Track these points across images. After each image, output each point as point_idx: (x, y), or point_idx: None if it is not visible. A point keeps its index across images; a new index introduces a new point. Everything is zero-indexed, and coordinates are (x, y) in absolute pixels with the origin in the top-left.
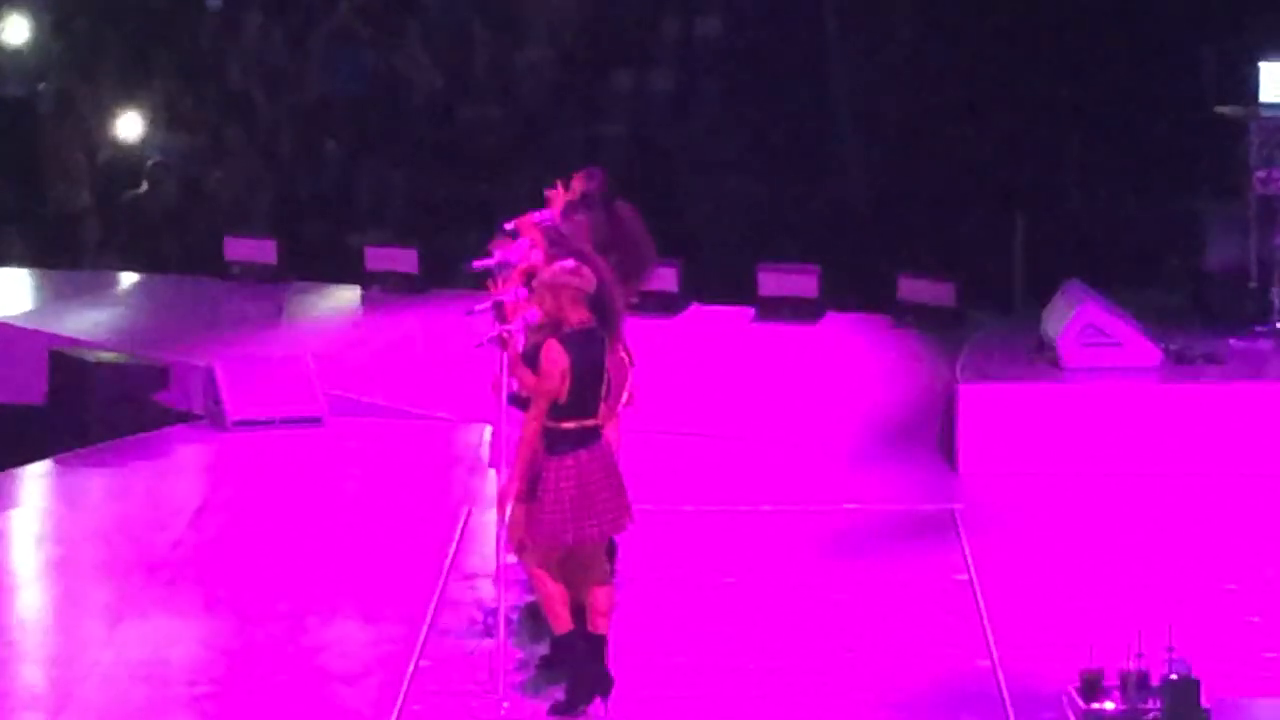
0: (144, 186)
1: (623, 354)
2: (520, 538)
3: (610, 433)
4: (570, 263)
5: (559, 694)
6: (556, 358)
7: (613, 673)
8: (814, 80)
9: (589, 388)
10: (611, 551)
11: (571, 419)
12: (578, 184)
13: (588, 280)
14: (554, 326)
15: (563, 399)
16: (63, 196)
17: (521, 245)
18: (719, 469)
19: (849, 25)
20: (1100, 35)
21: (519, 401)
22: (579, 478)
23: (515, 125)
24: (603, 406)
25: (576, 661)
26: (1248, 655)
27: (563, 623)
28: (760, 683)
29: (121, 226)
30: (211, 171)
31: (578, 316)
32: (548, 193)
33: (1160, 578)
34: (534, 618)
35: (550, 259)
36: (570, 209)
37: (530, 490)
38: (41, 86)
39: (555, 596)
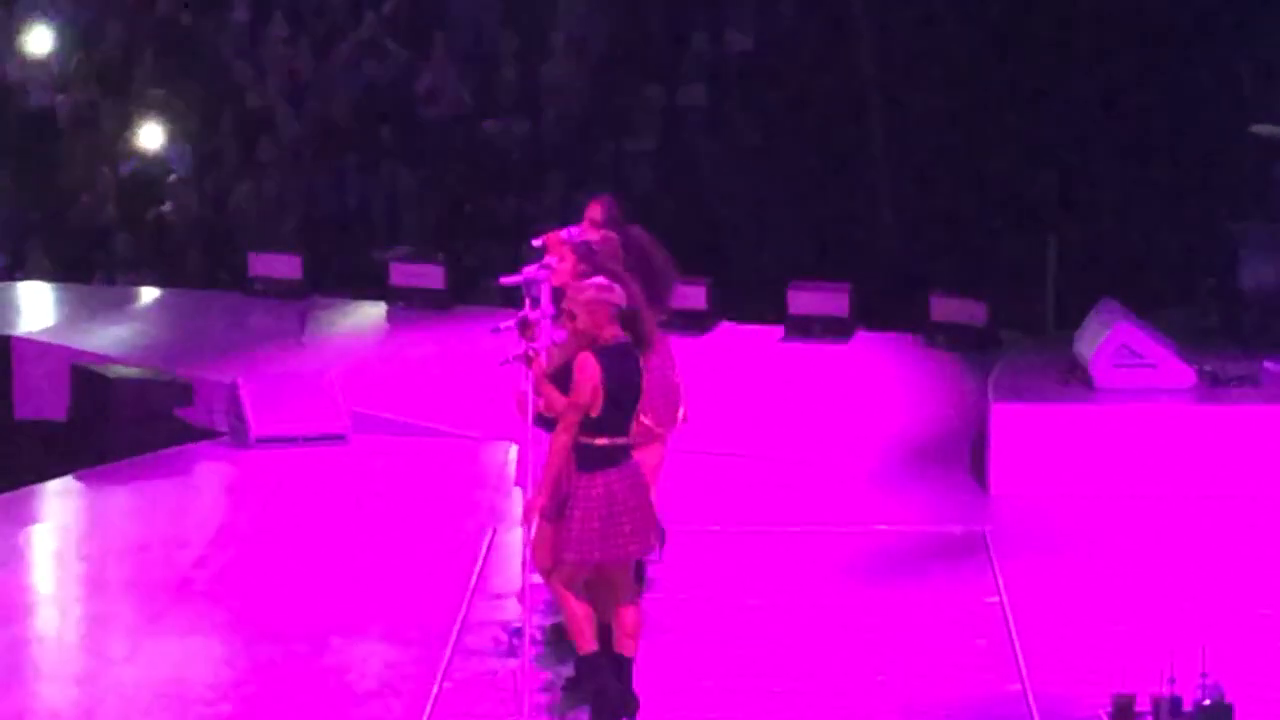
0: (167, 202)
1: (670, 373)
2: (546, 556)
3: (657, 451)
4: (603, 279)
5: (583, 716)
6: (590, 370)
7: (639, 694)
8: (847, 97)
9: (622, 404)
10: (640, 572)
11: (604, 435)
12: (592, 211)
13: (620, 296)
14: (588, 343)
15: (595, 413)
16: (86, 210)
17: (550, 262)
18: (748, 488)
19: (883, 43)
20: (1135, 54)
21: (545, 422)
22: (609, 496)
23: (543, 140)
24: (635, 425)
25: (600, 683)
26: None
27: (588, 643)
28: (788, 705)
29: (145, 241)
30: (236, 186)
31: (610, 333)
32: (537, 241)
33: (1193, 601)
34: (559, 638)
35: (579, 276)
36: (594, 229)
37: (559, 508)
38: (61, 98)
39: (581, 616)
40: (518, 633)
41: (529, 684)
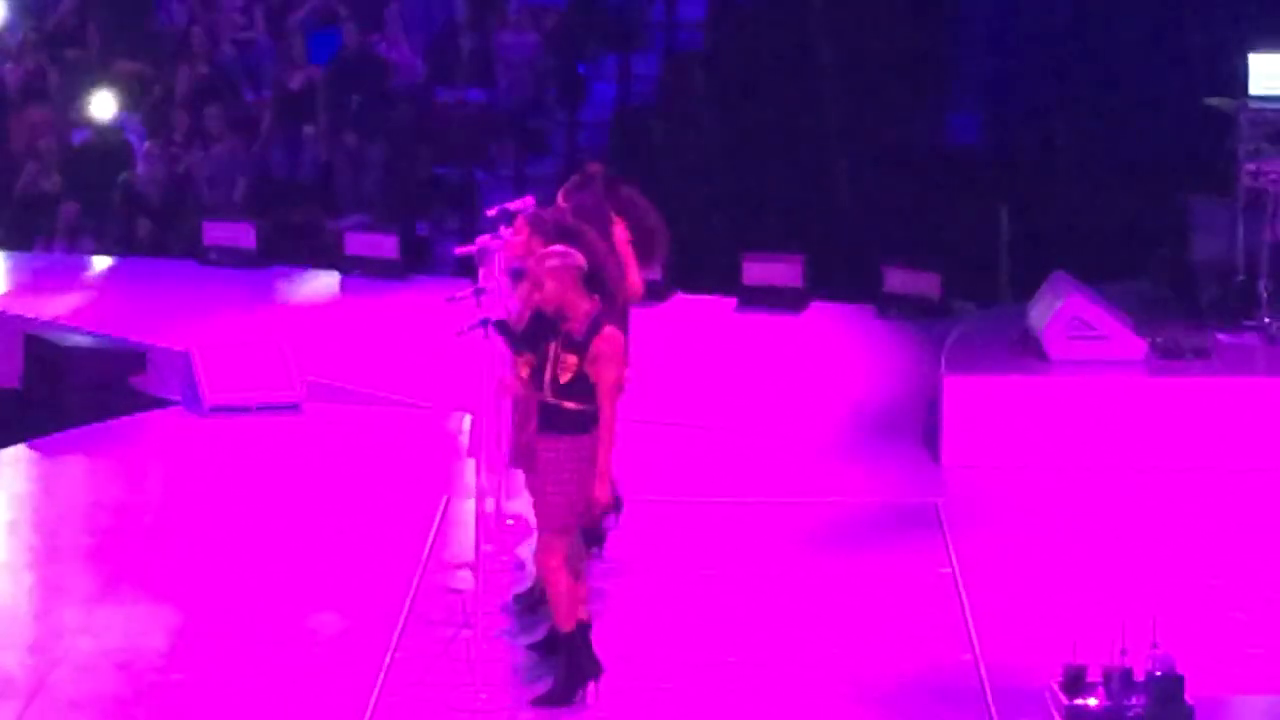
0: (121, 170)
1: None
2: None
3: None
4: (557, 246)
5: (542, 683)
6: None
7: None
8: (800, 68)
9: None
10: (600, 540)
11: (574, 400)
12: (580, 174)
13: (580, 259)
14: (560, 315)
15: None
16: (33, 178)
17: (504, 232)
18: (701, 459)
19: (835, 13)
20: (1088, 27)
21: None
22: (586, 459)
23: (497, 110)
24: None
25: (582, 657)
26: (1232, 651)
27: (573, 619)
28: (740, 675)
29: (98, 209)
30: (189, 155)
31: (584, 303)
32: (491, 211)
33: (1145, 573)
34: (532, 610)
35: (532, 247)
36: (573, 190)
37: (528, 460)
38: (10, 66)
39: (571, 593)
40: (471, 602)
41: (483, 654)
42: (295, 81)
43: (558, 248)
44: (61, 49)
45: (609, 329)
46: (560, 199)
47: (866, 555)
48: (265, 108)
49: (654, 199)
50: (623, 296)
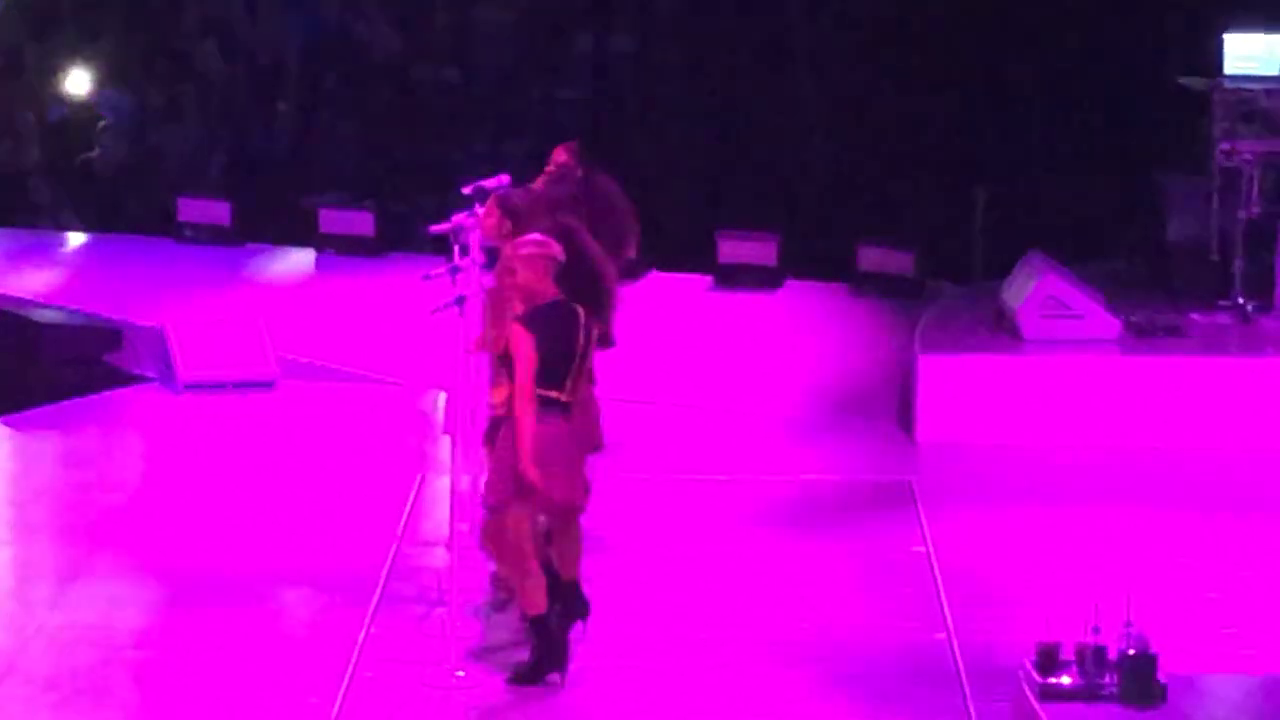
0: (96, 147)
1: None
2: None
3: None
4: (538, 235)
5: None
6: (523, 343)
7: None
8: (775, 46)
9: (556, 360)
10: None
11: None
12: (558, 156)
13: (558, 251)
14: (526, 298)
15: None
16: (9, 154)
17: (479, 210)
18: (676, 437)
19: None
20: (1063, 5)
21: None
22: (555, 441)
23: (473, 87)
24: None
25: (549, 642)
26: (1205, 631)
27: (540, 605)
28: (713, 652)
29: (73, 186)
30: (165, 131)
31: (547, 289)
32: (467, 189)
33: (1118, 552)
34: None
35: (502, 227)
36: (556, 179)
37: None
38: None
39: (537, 579)
40: (446, 579)
41: (458, 631)
42: (271, 58)
43: (535, 235)
44: (38, 25)
45: (514, 328)
46: (541, 185)
47: (840, 533)
48: (240, 84)
49: (629, 177)
50: (609, 287)
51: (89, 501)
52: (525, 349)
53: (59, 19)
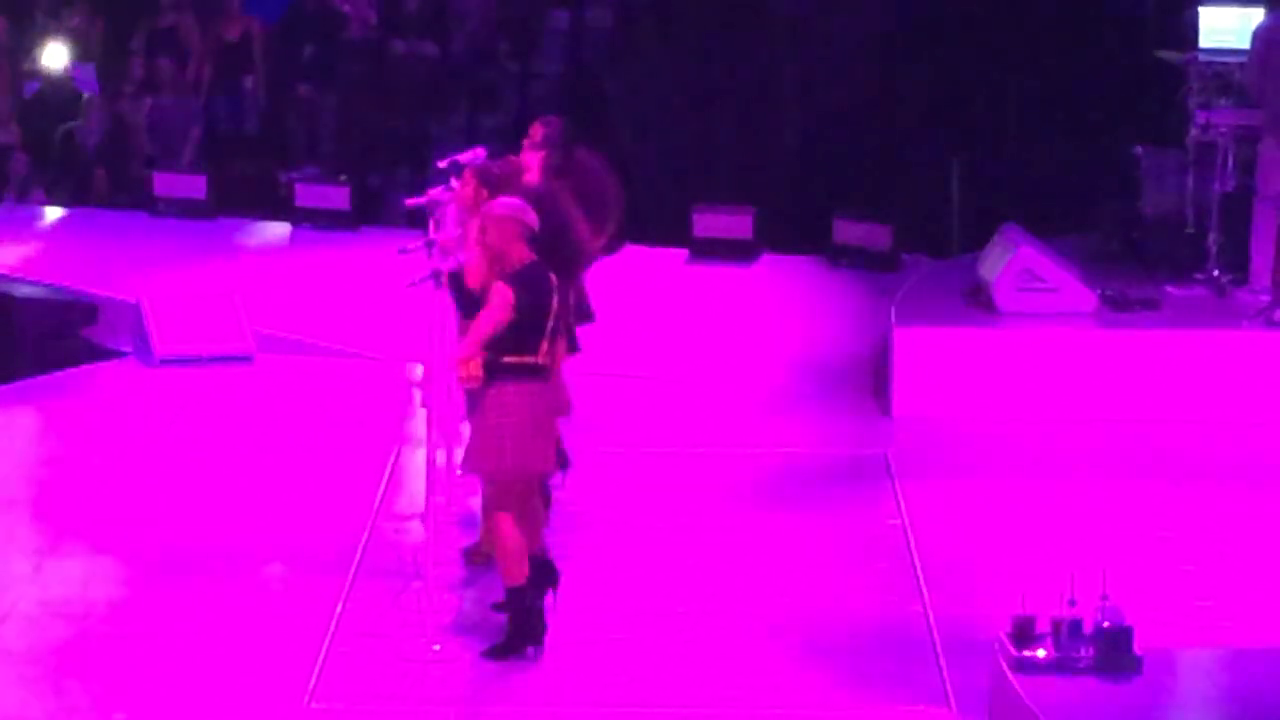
0: (71, 121)
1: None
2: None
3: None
4: (516, 200)
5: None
6: (503, 297)
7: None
8: (751, 20)
9: (529, 325)
10: (546, 496)
11: (510, 354)
12: (534, 133)
13: (533, 219)
14: (496, 259)
15: (500, 334)
16: None
17: (455, 184)
18: (652, 410)
19: None
20: None
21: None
22: (529, 407)
23: (449, 61)
24: (549, 346)
25: (529, 610)
26: (1181, 604)
27: (521, 574)
28: (690, 625)
29: (49, 160)
30: (140, 105)
31: (519, 253)
32: (443, 163)
33: (1094, 525)
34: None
35: (479, 197)
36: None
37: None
38: None
39: (519, 547)
40: (422, 553)
41: (435, 604)
42: (246, 32)
43: (512, 199)
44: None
45: (497, 284)
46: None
47: (816, 506)
48: (215, 59)
49: (605, 151)
50: (579, 265)
51: (64, 476)
52: (502, 298)
53: None
